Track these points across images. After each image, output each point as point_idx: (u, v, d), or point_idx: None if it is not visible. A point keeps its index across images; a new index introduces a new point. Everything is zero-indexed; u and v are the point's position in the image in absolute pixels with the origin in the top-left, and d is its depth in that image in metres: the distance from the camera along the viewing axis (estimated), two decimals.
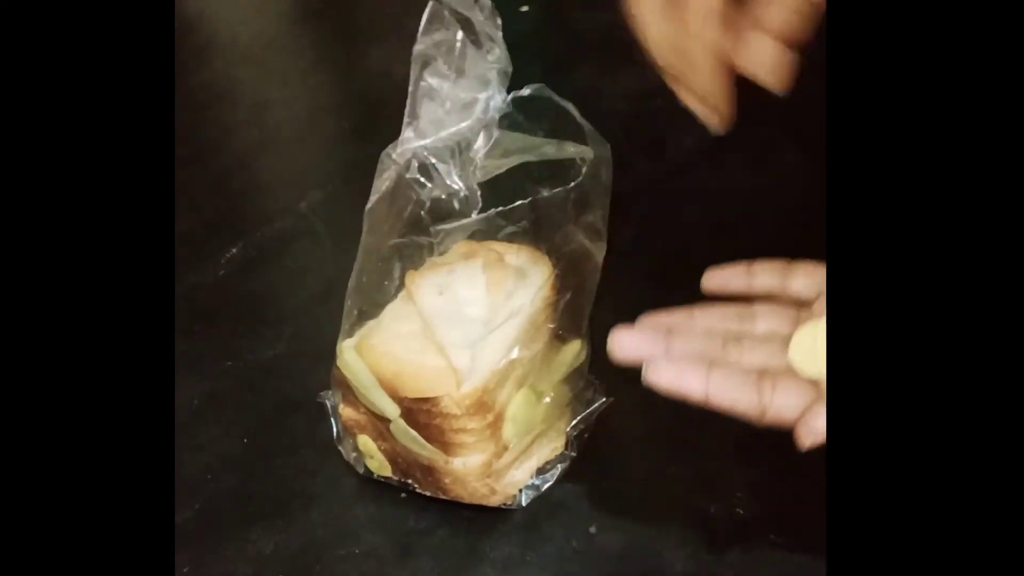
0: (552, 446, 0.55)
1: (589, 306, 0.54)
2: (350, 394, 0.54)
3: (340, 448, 0.56)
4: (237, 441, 0.60)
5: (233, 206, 0.79)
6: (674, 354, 0.45)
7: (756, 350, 0.45)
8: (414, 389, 0.50)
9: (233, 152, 0.86)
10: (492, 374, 0.50)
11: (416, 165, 0.50)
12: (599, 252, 0.53)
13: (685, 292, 0.63)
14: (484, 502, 0.52)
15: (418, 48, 0.47)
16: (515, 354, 0.51)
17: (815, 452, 0.52)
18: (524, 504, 0.53)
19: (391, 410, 0.51)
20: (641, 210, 0.70)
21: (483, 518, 0.53)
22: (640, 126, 0.78)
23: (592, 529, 0.52)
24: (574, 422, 0.55)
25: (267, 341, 0.65)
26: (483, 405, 0.50)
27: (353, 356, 0.52)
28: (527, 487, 0.54)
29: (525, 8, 0.94)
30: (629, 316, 0.62)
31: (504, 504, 0.53)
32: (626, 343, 0.45)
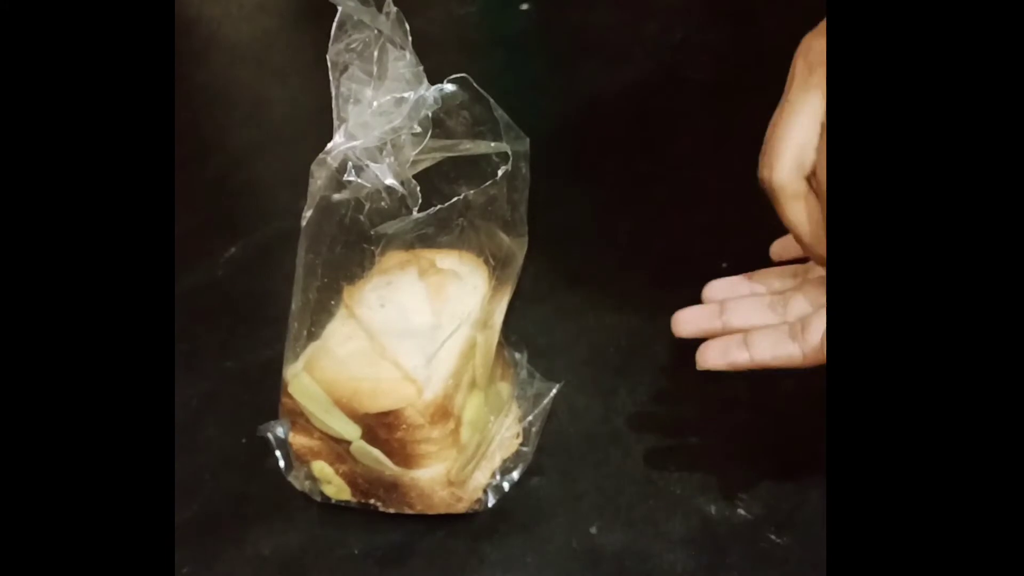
0: (508, 443, 0.55)
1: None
2: (301, 420, 0.53)
3: (290, 479, 0.55)
4: (237, 441, 0.60)
5: (232, 206, 0.79)
6: (730, 325, 0.50)
7: (794, 302, 0.50)
8: (374, 404, 0.49)
9: (232, 152, 0.86)
10: (450, 379, 0.50)
11: (351, 167, 0.49)
12: (521, 249, 0.52)
13: (685, 292, 0.63)
14: (451, 511, 0.52)
15: (332, 54, 0.47)
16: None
17: (815, 452, 0.52)
18: (490, 505, 0.53)
19: (351, 432, 0.51)
20: (641, 210, 0.70)
21: (483, 518, 0.53)
22: (640, 125, 0.78)
23: (592, 529, 0.52)
24: (530, 416, 0.55)
25: (267, 341, 0.65)
26: (445, 412, 0.50)
27: (308, 380, 0.51)
28: (491, 487, 0.54)
29: (526, 6, 0.94)
30: (629, 315, 0.63)
31: (471, 509, 0.53)
32: (687, 318, 0.51)
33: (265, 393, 0.62)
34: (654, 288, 0.64)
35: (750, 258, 0.64)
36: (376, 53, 0.47)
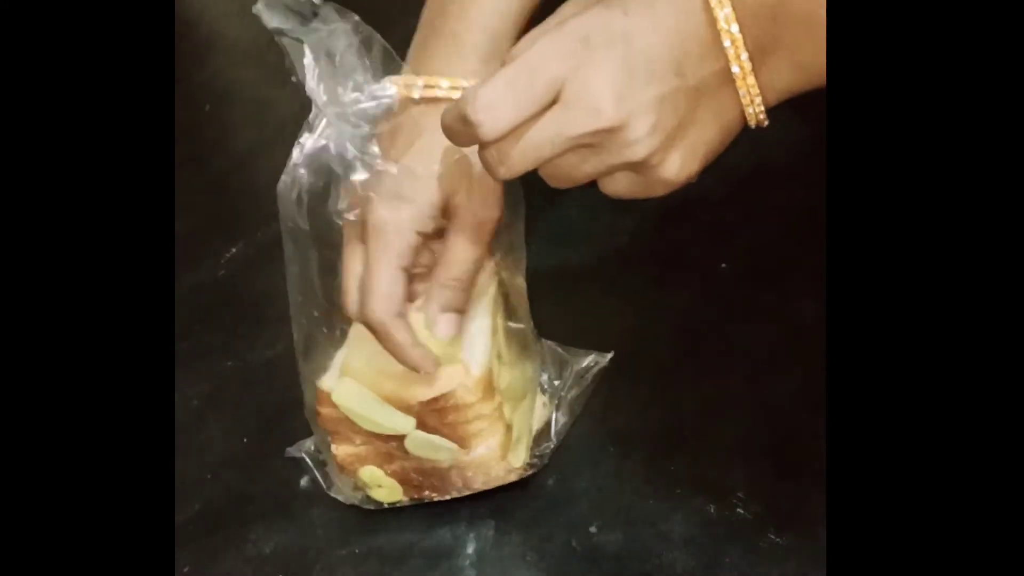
0: (540, 412, 0.56)
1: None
2: (343, 429, 0.53)
3: (335, 495, 0.55)
4: (237, 441, 0.60)
5: (233, 206, 0.79)
6: None
7: None
8: (427, 391, 0.50)
9: (233, 152, 0.86)
10: (488, 355, 0.51)
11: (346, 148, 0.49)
12: (518, 215, 0.53)
13: (685, 292, 0.63)
14: (507, 481, 0.53)
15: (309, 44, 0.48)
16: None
17: (815, 452, 0.52)
18: (545, 464, 0.54)
19: (405, 424, 0.51)
20: (641, 210, 0.70)
21: (483, 518, 0.53)
22: None
23: (592, 529, 0.52)
24: (569, 385, 0.57)
25: (267, 341, 0.65)
26: (491, 387, 0.51)
27: (352, 383, 0.52)
28: (537, 454, 0.54)
29: None
30: (628, 315, 0.63)
31: (523, 475, 0.53)
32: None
33: (265, 393, 0.62)
34: (654, 288, 0.64)
35: (750, 258, 0.64)
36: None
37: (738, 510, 0.51)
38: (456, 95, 0.47)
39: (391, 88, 0.48)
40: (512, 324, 0.56)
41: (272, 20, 0.46)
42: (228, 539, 0.54)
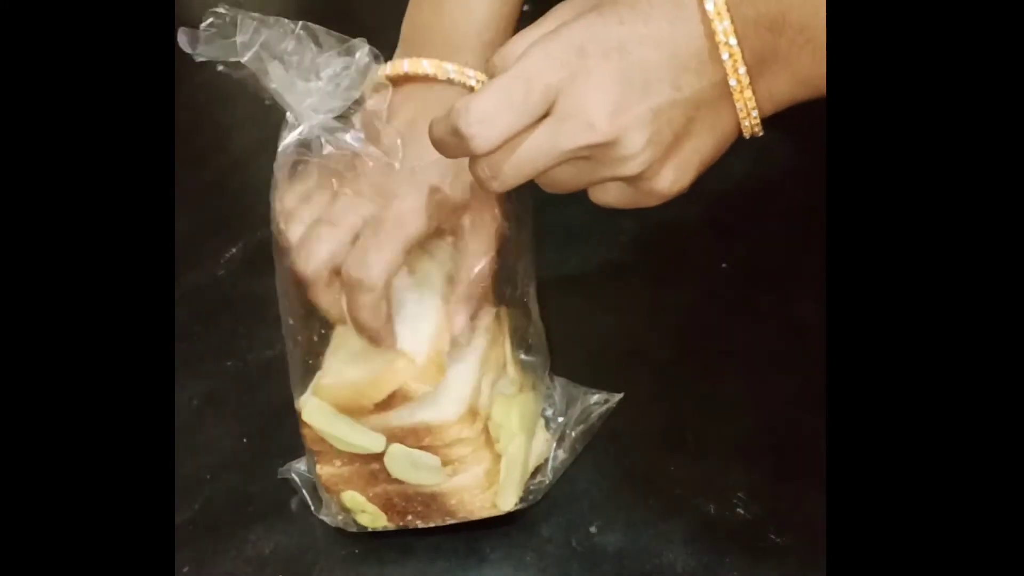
0: (540, 448, 0.55)
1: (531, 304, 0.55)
2: (325, 448, 0.52)
3: (322, 517, 0.54)
4: (237, 441, 0.60)
5: (233, 206, 0.79)
6: None
7: None
8: (379, 391, 0.49)
9: (233, 152, 0.86)
10: (475, 379, 0.50)
11: (322, 141, 0.50)
12: (522, 227, 0.53)
13: (685, 292, 0.63)
14: (492, 514, 0.51)
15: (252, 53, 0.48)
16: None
17: (815, 452, 0.52)
18: (526, 507, 0.53)
19: (375, 442, 0.50)
20: (641, 210, 0.70)
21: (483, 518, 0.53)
22: None
23: (592, 529, 0.52)
24: (573, 422, 0.55)
25: (267, 341, 0.65)
26: (473, 412, 0.50)
27: (316, 403, 0.51)
28: (528, 492, 0.53)
29: (525, 7, 0.94)
30: (628, 316, 0.63)
31: (511, 510, 0.52)
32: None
33: (265, 393, 0.62)
34: (654, 288, 0.64)
35: (750, 258, 0.64)
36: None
37: (738, 510, 0.51)
38: (468, 81, 0.48)
39: (345, 60, 0.48)
40: (524, 356, 0.55)
41: (204, 51, 0.46)
42: (228, 539, 0.54)
